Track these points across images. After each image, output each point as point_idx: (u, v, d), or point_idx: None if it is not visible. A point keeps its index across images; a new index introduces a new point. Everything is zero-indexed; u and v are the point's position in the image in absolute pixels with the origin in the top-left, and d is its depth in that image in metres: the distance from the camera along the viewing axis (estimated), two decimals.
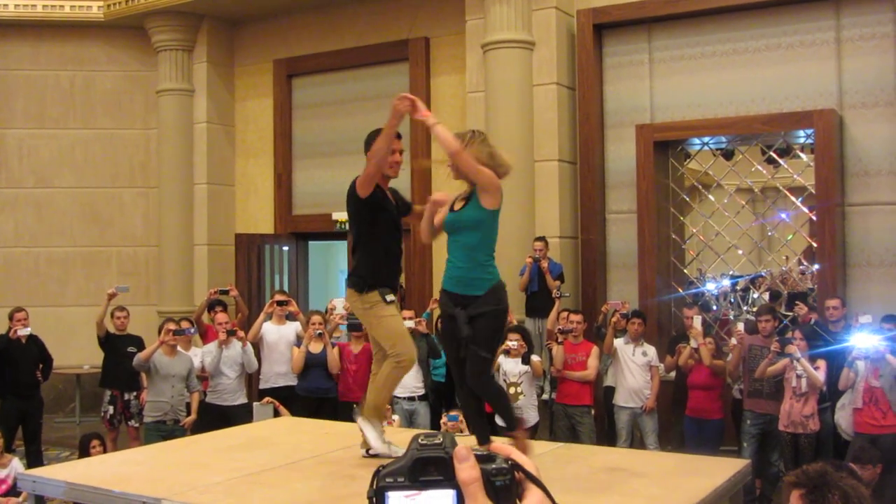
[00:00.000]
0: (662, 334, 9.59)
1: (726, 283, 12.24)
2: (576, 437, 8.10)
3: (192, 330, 8.97)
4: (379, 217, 4.93)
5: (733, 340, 8.34)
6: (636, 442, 8.46)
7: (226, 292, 10.07)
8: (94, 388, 10.92)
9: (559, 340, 8.44)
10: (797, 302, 9.11)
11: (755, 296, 12.32)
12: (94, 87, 13.34)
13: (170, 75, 12.80)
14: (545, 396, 8.86)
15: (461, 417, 7.83)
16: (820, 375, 7.38)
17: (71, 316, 12.58)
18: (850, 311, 8.41)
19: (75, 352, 11.86)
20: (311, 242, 13.13)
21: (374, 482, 1.05)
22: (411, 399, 8.51)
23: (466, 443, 1.06)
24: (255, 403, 8.51)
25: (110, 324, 9.51)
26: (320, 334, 8.58)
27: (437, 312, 9.39)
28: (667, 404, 8.76)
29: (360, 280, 4.92)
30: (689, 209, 10.48)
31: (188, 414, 8.31)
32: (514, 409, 4.86)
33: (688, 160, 10.35)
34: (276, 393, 8.62)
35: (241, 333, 8.65)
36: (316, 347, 8.62)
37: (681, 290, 9.95)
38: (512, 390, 7.90)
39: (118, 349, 9.25)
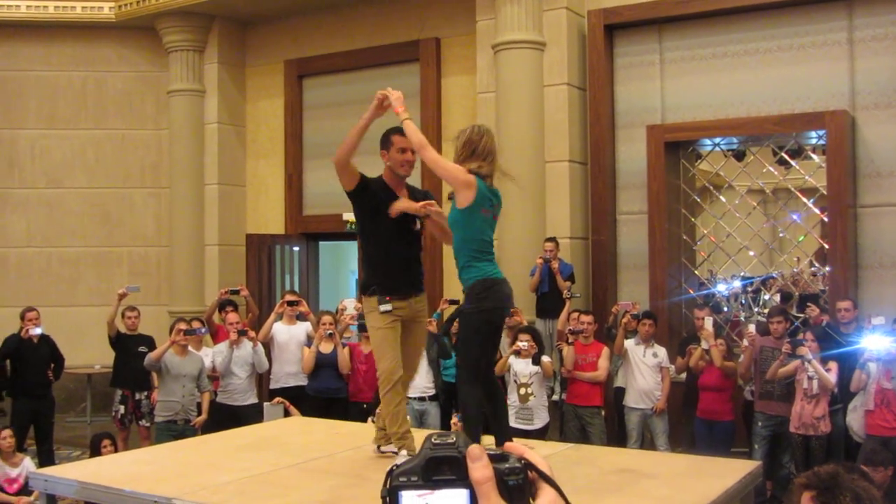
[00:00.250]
0: (673, 335, 9.57)
1: (737, 284, 12.19)
2: (586, 438, 8.09)
3: (204, 330, 8.99)
4: (379, 218, 4.85)
5: (745, 342, 8.32)
6: (646, 443, 8.45)
7: (236, 292, 10.10)
8: (105, 387, 10.94)
9: (570, 341, 8.43)
10: (809, 304, 9.08)
11: (766, 297, 12.28)
12: (106, 88, 13.38)
13: (181, 76, 12.83)
14: (555, 397, 8.86)
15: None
16: (831, 377, 7.35)
17: (82, 316, 12.62)
18: (862, 312, 8.38)
19: (86, 351, 11.89)
20: (321, 243, 13.14)
21: (388, 481, 1.05)
22: (422, 399, 8.51)
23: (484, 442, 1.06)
24: (265, 403, 8.52)
25: (121, 324, 9.54)
26: (331, 334, 8.58)
27: (447, 313, 9.40)
28: (677, 406, 8.74)
29: (363, 282, 4.95)
30: (700, 210, 10.45)
31: (199, 414, 8.33)
32: (475, 433, 4.59)
33: (699, 161, 10.33)
34: (286, 393, 8.63)
35: (251, 333, 8.67)
36: (326, 348, 8.62)
37: (692, 292, 9.93)
38: (522, 391, 7.89)
39: (129, 349, 9.27)
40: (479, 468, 1.02)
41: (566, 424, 8.46)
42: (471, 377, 4.70)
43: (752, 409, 8.04)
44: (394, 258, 4.91)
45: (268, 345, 8.99)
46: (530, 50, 10.00)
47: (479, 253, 4.62)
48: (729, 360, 8.23)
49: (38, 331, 9.20)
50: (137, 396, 9.26)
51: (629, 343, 8.50)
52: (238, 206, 13.08)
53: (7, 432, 7.59)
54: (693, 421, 8.33)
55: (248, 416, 8.13)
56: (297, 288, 12.22)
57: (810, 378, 7.34)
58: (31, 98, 13.30)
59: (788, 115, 9.19)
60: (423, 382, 8.45)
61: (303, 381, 8.84)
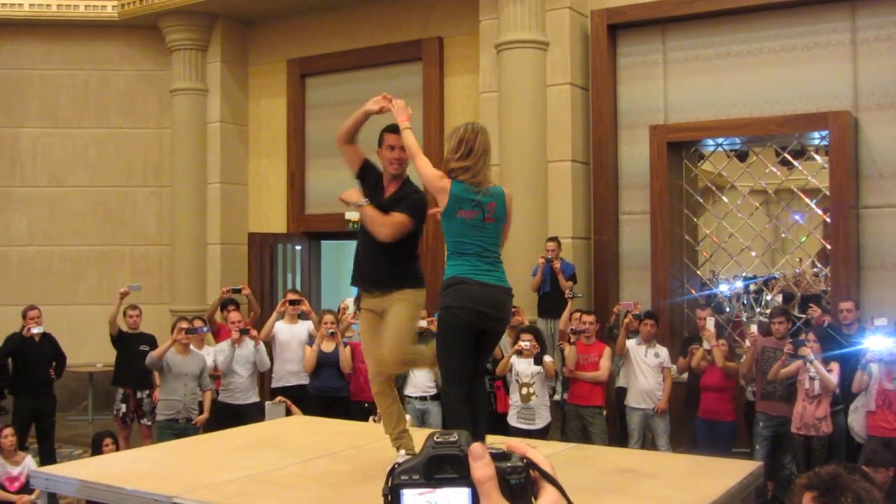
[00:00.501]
0: (675, 335, 9.57)
1: (739, 284, 12.20)
2: (587, 438, 8.09)
3: (206, 329, 8.99)
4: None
5: (746, 342, 8.32)
6: (648, 443, 8.44)
7: (238, 291, 10.10)
8: (106, 386, 10.94)
9: (571, 341, 8.43)
10: (810, 304, 9.08)
11: (768, 298, 12.27)
12: (108, 87, 13.39)
13: (183, 75, 12.83)
14: (557, 397, 8.85)
15: None
16: (833, 378, 7.35)
17: (84, 314, 12.62)
18: (864, 313, 8.38)
19: (88, 350, 11.90)
20: (323, 242, 13.14)
21: (390, 480, 1.05)
22: (423, 399, 8.52)
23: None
24: (267, 402, 8.52)
25: (123, 322, 9.54)
26: (332, 333, 8.59)
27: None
28: (679, 406, 8.74)
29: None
30: (702, 210, 10.44)
31: (200, 412, 8.33)
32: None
33: (701, 161, 10.32)
34: (288, 392, 8.63)
35: (253, 332, 8.67)
36: (328, 347, 8.63)
37: (694, 292, 9.93)
38: (524, 391, 7.89)
39: (131, 348, 9.28)
40: (481, 467, 1.02)
41: (568, 424, 8.46)
42: (449, 378, 4.65)
43: (754, 409, 8.04)
44: (364, 256, 4.91)
45: (269, 344, 8.99)
46: (533, 49, 9.99)
47: (455, 254, 4.58)
48: (731, 361, 8.22)
49: (39, 329, 9.21)
50: (139, 395, 9.26)
51: (631, 343, 8.49)
52: (240, 205, 13.08)
53: (8, 430, 7.60)
54: (694, 421, 8.33)
55: (249, 414, 8.13)
56: (298, 287, 12.23)
57: (812, 379, 7.34)
58: (33, 96, 13.31)
59: (791, 115, 9.19)
60: (424, 381, 8.46)
61: (304, 380, 8.84)
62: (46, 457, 9.08)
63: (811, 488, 2.45)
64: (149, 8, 12.57)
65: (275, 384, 8.97)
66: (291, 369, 8.93)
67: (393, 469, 1.06)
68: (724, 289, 11.35)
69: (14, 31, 13.10)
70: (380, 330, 4.85)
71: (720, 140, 9.95)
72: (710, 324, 8.23)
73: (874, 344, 7.25)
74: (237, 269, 12.70)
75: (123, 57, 13.40)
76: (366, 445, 5.11)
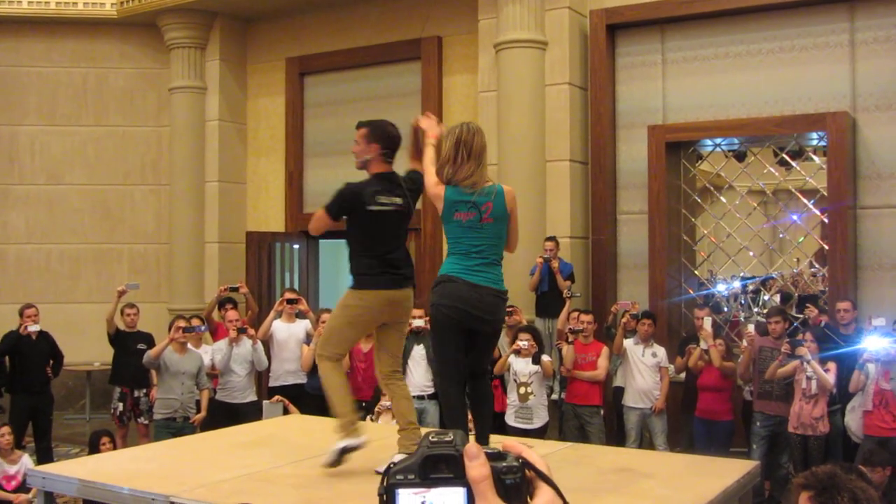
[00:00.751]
0: (672, 335, 9.57)
1: (737, 284, 12.19)
2: (585, 438, 8.10)
3: (203, 328, 8.97)
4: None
5: (744, 342, 8.32)
6: (645, 443, 8.45)
7: (235, 289, 10.10)
8: (104, 384, 10.95)
9: (569, 340, 8.44)
10: (807, 304, 9.08)
11: (766, 298, 12.28)
12: (107, 85, 13.38)
13: (182, 73, 12.82)
14: (555, 396, 8.86)
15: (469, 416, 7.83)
16: (830, 378, 7.36)
17: (81, 313, 12.61)
18: (862, 313, 8.39)
19: (86, 348, 11.89)
20: (321, 241, 13.12)
21: (385, 479, 1.05)
22: (420, 398, 8.51)
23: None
24: (264, 401, 8.53)
25: (120, 321, 9.54)
26: None
27: None
28: (676, 405, 8.74)
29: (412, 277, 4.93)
30: (700, 210, 10.45)
31: (198, 411, 8.33)
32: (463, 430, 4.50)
33: (700, 161, 10.33)
34: (285, 391, 8.64)
35: (251, 331, 8.67)
36: None
37: (691, 292, 9.93)
38: (522, 390, 7.89)
39: (128, 346, 9.28)
40: (476, 466, 1.02)
41: (565, 424, 8.46)
42: (443, 375, 4.70)
43: (751, 408, 8.04)
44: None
45: (267, 343, 8.99)
46: (532, 49, 9.99)
47: (450, 254, 4.63)
48: (728, 361, 8.23)
49: (36, 328, 9.20)
50: (136, 394, 9.26)
51: (628, 343, 8.50)
52: (238, 204, 13.07)
53: (5, 429, 7.59)
54: (692, 421, 8.34)
55: (247, 413, 8.13)
56: (296, 286, 12.23)
57: (809, 378, 7.34)
58: (31, 94, 13.30)
59: (789, 116, 9.19)
60: (421, 381, 8.46)
61: (302, 380, 8.84)
62: (43, 455, 9.06)
63: (808, 488, 2.45)
64: (147, 6, 12.57)
65: (272, 383, 8.97)
66: (289, 368, 8.93)
67: (388, 468, 1.06)
68: (721, 289, 11.34)
69: (13, 29, 13.08)
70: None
71: (718, 140, 9.95)
72: (708, 323, 8.23)
73: (871, 344, 7.25)
74: (235, 267, 12.69)
75: (122, 55, 13.39)
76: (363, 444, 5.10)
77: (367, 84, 12.14)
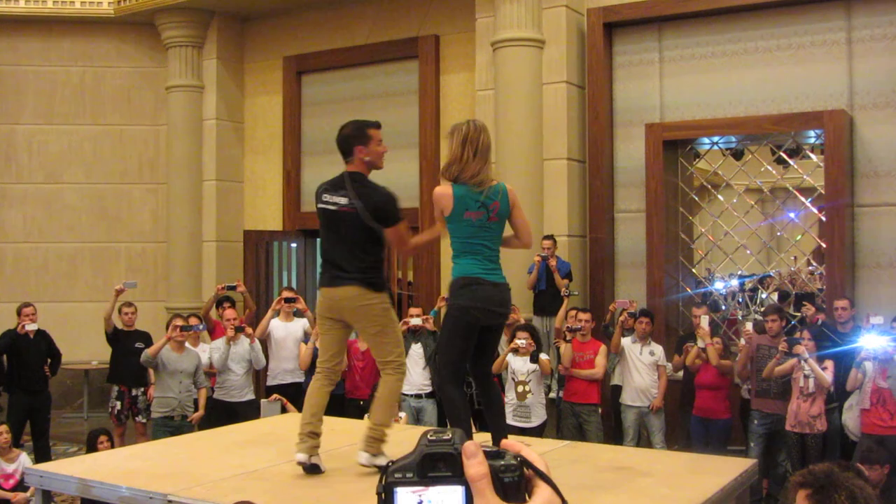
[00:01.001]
0: (670, 333, 9.58)
1: (735, 282, 12.21)
2: (583, 436, 8.11)
3: (201, 327, 8.96)
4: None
5: (742, 340, 8.33)
6: (643, 441, 8.46)
7: (233, 288, 10.09)
8: (101, 383, 10.95)
9: (567, 339, 8.44)
10: (805, 302, 9.09)
11: (763, 296, 12.29)
12: (104, 84, 13.37)
13: (179, 72, 12.81)
14: (552, 394, 8.87)
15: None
16: (827, 376, 7.36)
17: (79, 311, 12.61)
18: (859, 312, 8.40)
19: (83, 347, 11.89)
20: (319, 240, 13.12)
21: (383, 478, 1.05)
22: (418, 397, 8.53)
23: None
24: (262, 400, 8.53)
25: (118, 319, 9.53)
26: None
27: (444, 310, 9.41)
28: (674, 403, 8.75)
29: (376, 278, 4.77)
30: (697, 209, 10.45)
31: (196, 410, 8.33)
32: (466, 431, 4.45)
33: (697, 160, 10.33)
34: (283, 390, 8.64)
35: (248, 330, 8.67)
36: None
37: (689, 290, 9.94)
38: (520, 388, 7.90)
39: (126, 345, 9.28)
40: (475, 465, 1.02)
41: (563, 422, 8.47)
42: (449, 376, 4.72)
43: (749, 407, 8.05)
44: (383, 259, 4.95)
45: (265, 341, 8.99)
46: (529, 48, 9.99)
47: (463, 254, 4.64)
48: (726, 359, 8.24)
49: (34, 327, 9.19)
50: (134, 392, 9.26)
51: (626, 341, 8.50)
52: (236, 203, 13.06)
53: (3, 428, 7.59)
54: (689, 419, 8.34)
55: (244, 412, 8.14)
56: (294, 285, 12.22)
57: (806, 377, 7.35)
58: (29, 93, 13.29)
59: (787, 114, 9.19)
60: (419, 380, 8.47)
61: (300, 378, 8.84)
62: (41, 454, 9.07)
63: (805, 486, 2.45)
64: (145, 4, 12.55)
65: (270, 382, 8.97)
66: (287, 367, 8.93)
67: (386, 467, 1.06)
68: (719, 287, 11.35)
69: (10, 28, 13.07)
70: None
71: (716, 138, 9.95)
72: (705, 322, 8.23)
73: (868, 342, 7.26)
74: (233, 266, 12.69)
75: (119, 54, 13.38)
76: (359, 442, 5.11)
77: (364, 83, 12.14)
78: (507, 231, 4.79)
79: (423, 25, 11.49)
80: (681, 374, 8.73)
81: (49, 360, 9.49)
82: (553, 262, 9.24)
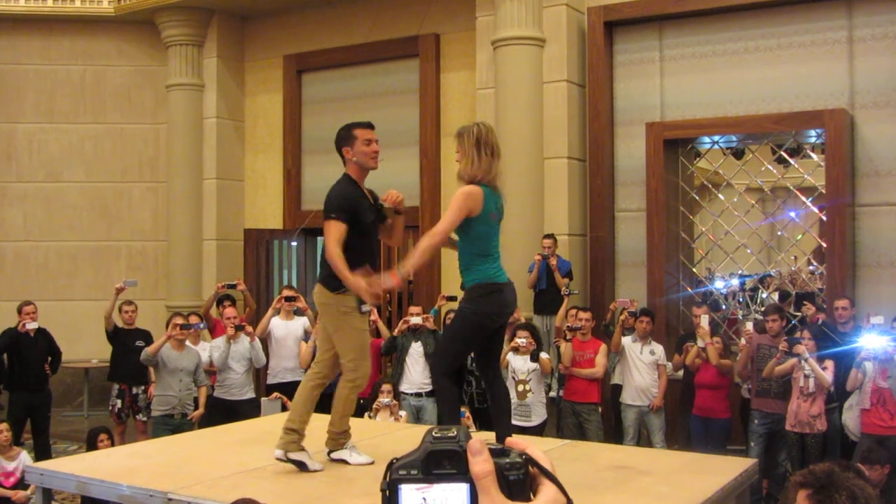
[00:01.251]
0: (671, 333, 9.57)
1: (735, 282, 12.20)
2: (583, 435, 8.10)
3: (201, 325, 8.96)
4: (359, 221, 4.79)
5: (742, 340, 8.32)
6: (643, 440, 8.46)
7: (233, 286, 10.09)
8: (102, 381, 10.95)
9: (567, 338, 8.44)
10: (805, 302, 9.09)
11: (764, 295, 12.29)
12: (105, 82, 13.37)
13: (180, 70, 12.81)
14: (553, 394, 8.87)
15: (468, 413, 7.85)
16: (828, 376, 7.36)
17: (79, 310, 12.61)
18: (860, 311, 8.39)
19: (84, 345, 11.89)
20: (319, 238, 13.13)
21: (388, 475, 1.04)
22: (418, 395, 8.52)
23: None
24: (262, 398, 8.53)
25: (118, 318, 9.53)
26: None
27: (444, 309, 9.41)
28: (674, 403, 8.75)
29: (334, 278, 4.74)
30: (698, 208, 10.45)
31: (196, 408, 8.33)
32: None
33: (698, 159, 10.33)
34: (283, 388, 8.63)
35: (249, 328, 8.67)
36: None
37: (689, 289, 9.93)
38: (520, 387, 7.90)
39: (126, 343, 9.27)
40: (480, 462, 1.02)
41: (563, 421, 8.47)
42: (445, 370, 4.81)
43: (749, 406, 8.05)
44: (370, 259, 4.90)
45: (265, 340, 8.99)
46: (530, 46, 9.99)
47: (481, 256, 4.68)
48: (726, 358, 8.24)
49: (34, 325, 9.19)
50: (134, 391, 9.25)
51: (626, 340, 8.50)
52: (236, 201, 13.06)
53: (3, 426, 7.59)
54: (689, 418, 8.34)
55: (245, 410, 8.14)
56: (294, 283, 12.21)
57: (807, 376, 7.35)
58: (29, 91, 13.29)
59: (787, 113, 9.19)
60: (419, 378, 8.47)
61: (300, 377, 8.80)
62: (41, 452, 9.07)
63: (806, 486, 2.45)
64: (145, 3, 12.55)
65: (270, 380, 8.98)
66: (287, 365, 8.94)
67: (391, 464, 1.05)
68: (719, 286, 11.35)
69: (10, 26, 13.07)
70: None
71: (716, 137, 9.95)
72: (705, 321, 8.23)
73: (868, 342, 7.26)
74: (233, 265, 12.69)
75: (120, 52, 13.38)
76: (361, 441, 5.11)
77: (364, 81, 12.13)
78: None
79: (423, 24, 11.49)
80: (681, 373, 8.73)
81: (49, 359, 9.49)
82: (553, 261, 9.24)
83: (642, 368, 8.38)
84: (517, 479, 1.04)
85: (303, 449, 4.75)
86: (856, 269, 8.93)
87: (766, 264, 11.90)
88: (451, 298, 9.03)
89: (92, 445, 7.61)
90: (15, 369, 9.24)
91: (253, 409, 8.29)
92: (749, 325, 8.40)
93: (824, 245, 9.18)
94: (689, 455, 6.19)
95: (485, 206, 4.61)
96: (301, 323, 9.09)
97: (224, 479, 4.49)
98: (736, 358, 8.37)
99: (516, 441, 1.08)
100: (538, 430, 7.86)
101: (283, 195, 12.78)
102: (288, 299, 9.04)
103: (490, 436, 4.74)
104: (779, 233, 10.54)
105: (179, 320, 8.31)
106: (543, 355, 8.04)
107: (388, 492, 1.04)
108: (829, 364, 7.47)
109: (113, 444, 7.77)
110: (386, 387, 7.64)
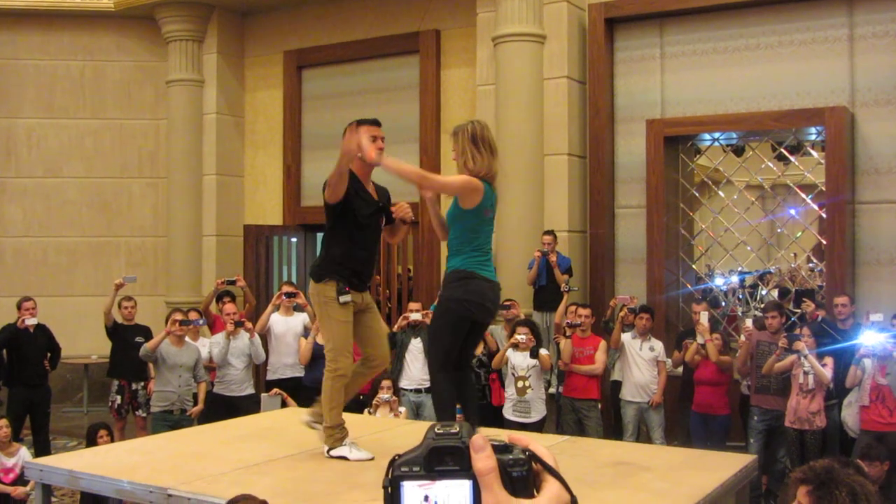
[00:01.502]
0: (670, 329, 9.58)
1: (735, 279, 12.21)
2: (582, 431, 8.11)
3: (201, 321, 8.96)
4: (347, 210, 4.76)
5: (742, 337, 8.33)
6: (642, 436, 8.46)
7: (233, 282, 10.09)
8: (101, 377, 10.95)
9: (567, 334, 8.44)
10: (804, 299, 9.09)
11: (764, 292, 12.29)
12: (104, 78, 13.35)
13: (180, 66, 12.80)
14: (552, 390, 8.87)
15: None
16: (827, 372, 7.37)
17: (79, 306, 12.60)
18: (859, 308, 8.40)
19: (83, 341, 11.89)
20: (319, 234, 13.10)
21: (390, 471, 1.04)
22: (418, 391, 8.52)
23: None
24: (262, 394, 8.53)
25: (118, 314, 9.53)
26: None
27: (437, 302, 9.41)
28: (673, 399, 8.75)
29: (318, 269, 4.81)
30: (698, 205, 10.45)
31: (195, 404, 8.32)
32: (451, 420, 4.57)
33: (698, 156, 10.33)
34: (283, 384, 8.64)
35: (248, 324, 8.67)
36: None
37: (689, 286, 9.94)
38: (520, 384, 7.90)
39: (126, 339, 9.26)
40: (483, 459, 1.01)
41: (563, 417, 8.47)
42: (439, 365, 4.83)
43: (749, 403, 8.05)
44: (363, 253, 4.90)
45: (265, 336, 8.99)
46: (530, 43, 9.98)
47: (468, 248, 4.71)
48: (725, 355, 8.24)
49: (33, 321, 9.18)
50: (134, 386, 9.25)
51: (626, 337, 8.51)
52: (236, 197, 13.06)
53: (3, 422, 7.58)
54: (689, 415, 8.35)
55: (244, 406, 8.13)
56: (294, 279, 12.20)
57: (806, 373, 7.35)
58: (28, 87, 13.27)
59: (788, 110, 9.19)
60: (419, 375, 8.46)
61: (300, 373, 8.85)
62: (41, 448, 9.06)
63: (806, 482, 2.46)
64: None
65: (270, 376, 8.98)
66: (287, 361, 8.94)
67: (393, 460, 1.05)
68: (719, 283, 11.35)
69: (10, 21, 13.05)
70: (366, 325, 5.00)
71: (717, 135, 9.95)
72: (704, 318, 8.23)
73: (868, 339, 7.27)
74: (233, 261, 12.68)
75: (119, 47, 13.36)
76: (361, 437, 5.11)
77: (364, 77, 12.13)
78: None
79: (423, 20, 11.48)
80: (680, 370, 8.73)
81: (49, 355, 9.49)
82: (553, 258, 9.24)
83: (642, 365, 8.39)
84: (520, 476, 1.03)
85: (341, 443, 4.76)
86: (855, 267, 8.93)
87: (766, 261, 11.88)
88: None
89: (91, 441, 7.61)
90: (14, 365, 9.23)
91: (252, 405, 8.29)
92: (749, 322, 8.41)
93: (824, 242, 9.18)
94: (689, 451, 6.19)
95: (482, 202, 4.63)
96: (300, 319, 9.09)
97: (224, 476, 4.49)
98: (735, 355, 8.38)
99: (519, 437, 1.08)
100: (538, 427, 7.86)
101: (282, 191, 12.77)
102: (287, 295, 9.04)
103: (492, 432, 4.74)
104: (779, 230, 10.54)
105: (179, 316, 8.31)
106: (543, 352, 8.05)
107: (390, 488, 1.03)
108: (829, 361, 7.48)
109: (112, 440, 7.76)
110: (385, 383, 7.64)
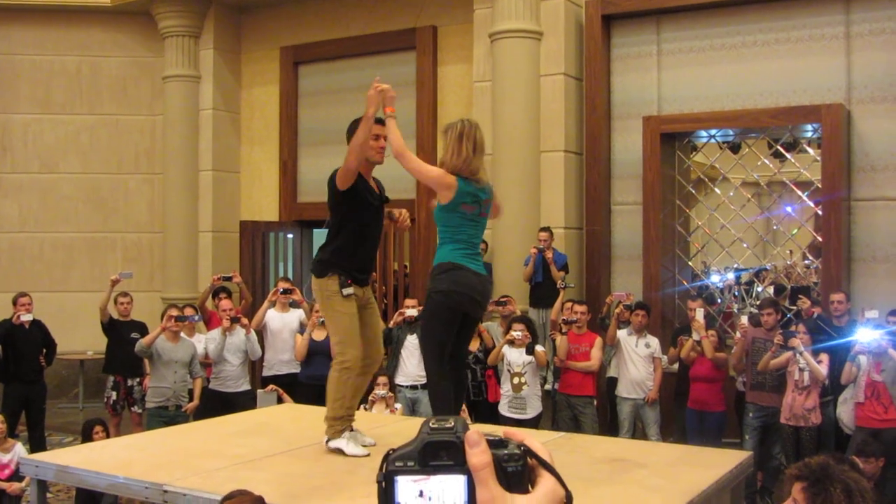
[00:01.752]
0: (666, 326, 9.58)
1: (731, 276, 12.23)
2: (578, 428, 8.11)
3: (196, 317, 8.96)
4: (355, 204, 4.80)
5: (737, 333, 8.34)
6: (638, 433, 8.47)
7: (229, 279, 10.07)
8: (97, 373, 10.94)
9: (563, 331, 8.44)
10: (800, 296, 9.11)
11: (759, 289, 12.31)
12: (100, 73, 13.33)
13: (176, 62, 12.78)
14: (548, 386, 8.88)
15: (464, 405, 7.85)
16: (822, 369, 7.38)
17: (75, 301, 12.58)
18: (855, 305, 8.41)
19: (79, 337, 11.87)
20: (315, 230, 13.11)
21: (384, 466, 1.03)
22: (414, 388, 8.52)
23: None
24: (258, 390, 8.53)
25: (114, 310, 9.51)
26: (323, 322, 8.58)
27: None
28: (669, 396, 8.76)
29: (320, 264, 4.83)
30: (694, 202, 10.46)
31: (191, 400, 8.32)
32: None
33: (694, 153, 10.33)
34: (279, 380, 8.63)
35: (244, 321, 8.66)
36: (319, 335, 8.62)
37: (685, 283, 9.95)
38: (516, 380, 7.91)
39: (121, 335, 9.25)
40: (478, 454, 1.00)
41: (558, 414, 8.48)
42: (433, 359, 4.85)
43: (744, 399, 8.06)
44: (366, 249, 4.93)
45: (261, 332, 8.98)
46: (527, 39, 9.98)
47: (452, 244, 4.75)
48: (721, 352, 8.25)
49: (29, 317, 9.17)
50: (129, 382, 9.24)
51: (622, 333, 8.51)
52: (232, 193, 13.05)
53: None
54: (684, 411, 8.35)
55: (240, 403, 8.13)
56: (290, 275, 12.21)
57: (801, 370, 7.36)
58: (24, 82, 13.25)
59: (784, 107, 9.19)
60: (415, 371, 8.46)
61: (296, 369, 8.85)
62: (37, 444, 9.05)
63: (802, 479, 2.46)
64: None
65: (266, 372, 8.97)
66: (283, 358, 8.93)
67: (388, 455, 1.04)
68: (715, 280, 11.37)
69: (5, 17, 13.02)
70: (365, 321, 4.95)
71: (713, 131, 9.95)
72: (700, 315, 8.24)
73: (863, 336, 7.28)
74: (229, 257, 12.68)
75: (116, 43, 13.34)
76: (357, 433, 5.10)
77: (361, 73, 12.08)
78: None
79: (420, 16, 11.47)
80: (676, 366, 8.74)
81: (44, 350, 9.47)
82: (549, 255, 9.24)
83: (638, 361, 8.39)
84: (515, 471, 1.03)
85: (340, 434, 4.76)
86: (851, 264, 8.94)
87: (762, 258, 11.91)
88: None
89: (87, 437, 7.60)
90: (10, 361, 9.21)
91: (249, 401, 8.28)
92: (744, 319, 8.42)
93: (820, 239, 9.19)
94: (684, 448, 6.20)
95: (456, 197, 4.66)
96: (297, 315, 9.08)
97: (220, 471, 4.49)
98: (731, 351, 8.39)
99: (514, 432, 1.07)
100: (533, 423, 7.87)
101: (279, 187, 12.76)
102: (284, 291, 9.04)
103: (486, 427, 4.74)
104: (774, 227, 10.57)
105: (174, 312, 8.30)
106: (539, 348, 8.05)
107: (384, 483, 1.03)
108: (824, 357, 7.50)
109: (108, 436, 7.75)
110: (382, 379, 7.65)
